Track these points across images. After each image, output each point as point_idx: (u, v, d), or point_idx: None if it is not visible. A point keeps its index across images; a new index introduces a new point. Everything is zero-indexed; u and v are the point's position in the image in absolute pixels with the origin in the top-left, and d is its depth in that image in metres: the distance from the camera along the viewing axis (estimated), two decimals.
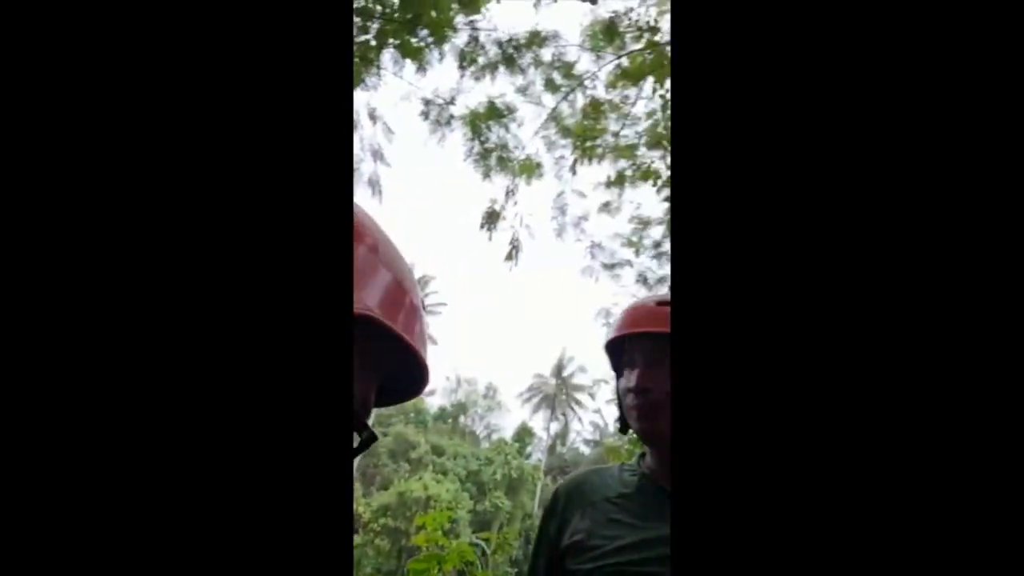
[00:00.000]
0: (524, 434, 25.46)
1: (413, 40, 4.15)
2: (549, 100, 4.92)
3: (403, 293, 0.46)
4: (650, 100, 4.40)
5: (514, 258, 5.17)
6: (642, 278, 5.32)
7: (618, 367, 0.81)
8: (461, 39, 4.43)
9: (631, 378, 0.76)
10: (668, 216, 4.07)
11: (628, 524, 0.71)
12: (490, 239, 5.28)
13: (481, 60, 4.57)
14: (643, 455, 0.81)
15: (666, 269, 5.13)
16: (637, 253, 5.36)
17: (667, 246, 4.94)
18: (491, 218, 5.27)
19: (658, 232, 5.15)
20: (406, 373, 0.51)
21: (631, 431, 0.79)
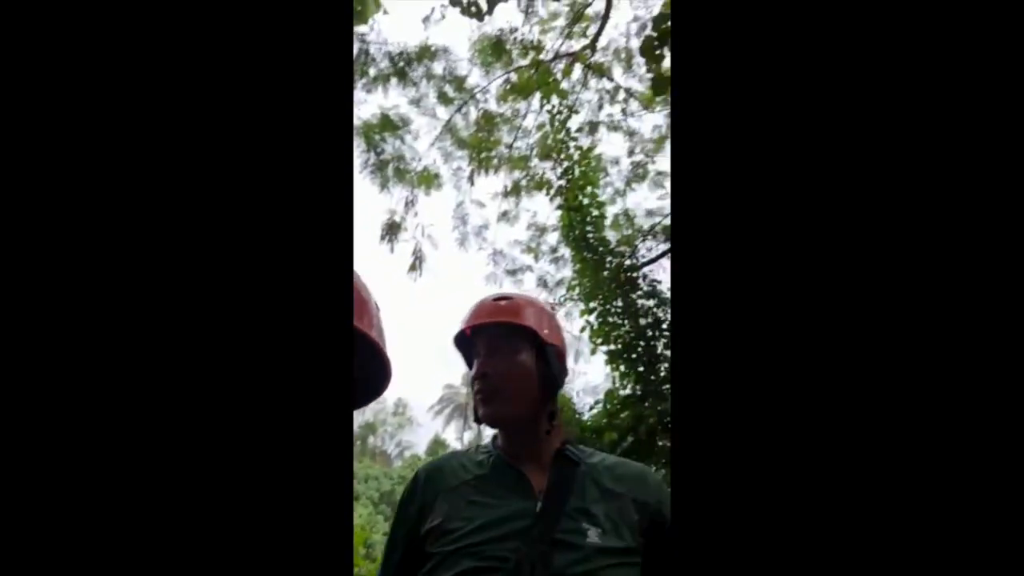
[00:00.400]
0: (437, 447, 24.97)
1: None
2: (443, 112, 5.01)
3: (364, 301, 0.51)
4: (539, 114, 4.66)
5: (418, 268, 5.14)
6: (542, 282, 5.56)
7: (470, 361, 0.86)
8: None
9: (474, 367, 0.81)
10: (560, 223, 4.32)
11: (484, 504, 0.74)
12: (391, 251, 5.22)
13: (372, 72, 4.54)
14: (496, 436, 0.84)
15: (562, 272, 5.42)
16: (536, 258, 5.61)
17: (563, 251, 5.23)
18: (391, 229, 5.20)
19: (553, 238, 5.44)
20: (361, 378, 0.55)
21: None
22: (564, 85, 4.30)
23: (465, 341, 0.85)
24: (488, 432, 0.85)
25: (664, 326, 3.79)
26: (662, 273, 4.17)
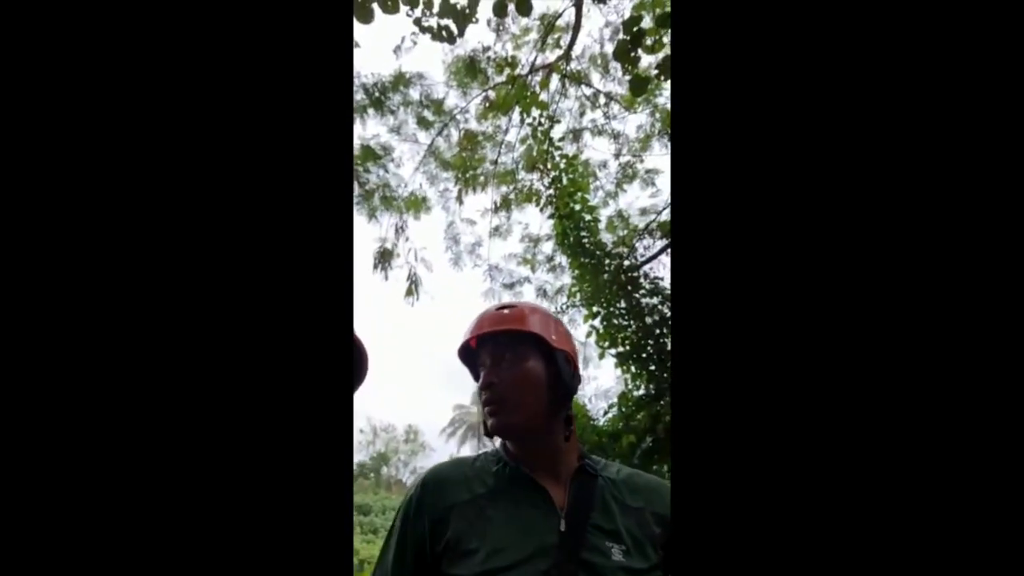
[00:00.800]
0: None
1: None
2: (424, 137, 5.04)
3: None
4: (520, 128, 4.69)
5: (414, 293, 5.13)
6: (542, 291, 5.56)
7: (476, 374, 0.83)
8: None
9: (480, 378, 0.79)
10: (554, 232, 4.32)
11: (502, 521, 0.70)
12: (386, 278, 5.21)
13: None
14: (504, 444, 0.81)
15: (561, 280, 5.42)
16: (533, 269, 5.61)
17: (559, 259, 5.23)
18: (384, 257, 5.20)
19: (548, 247, 5.45)
20: None
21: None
22: (543, 96, 4.34)
23: (470, 354, 0.83)
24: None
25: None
26: (663, 270, 4.18)
